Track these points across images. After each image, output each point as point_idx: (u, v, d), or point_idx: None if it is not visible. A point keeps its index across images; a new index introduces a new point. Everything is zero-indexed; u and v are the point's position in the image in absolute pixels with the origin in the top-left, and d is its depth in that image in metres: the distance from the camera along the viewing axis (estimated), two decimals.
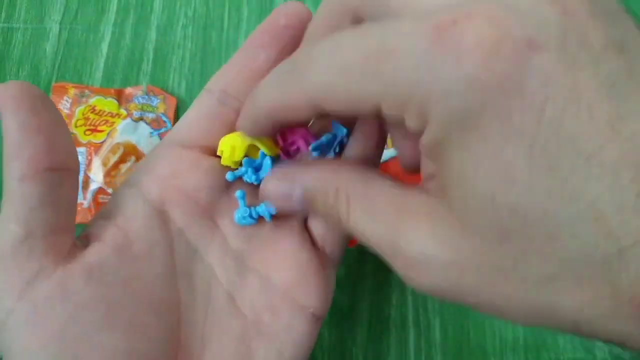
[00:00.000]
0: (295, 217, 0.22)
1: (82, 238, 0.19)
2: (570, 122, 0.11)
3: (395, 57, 0.13)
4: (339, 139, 0.21)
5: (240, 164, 0.21)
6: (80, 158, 0.36)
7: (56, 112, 0.17)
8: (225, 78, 0.23)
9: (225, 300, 0.21)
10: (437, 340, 0.34)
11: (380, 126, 0.21)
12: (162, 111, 0.38)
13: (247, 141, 0.20)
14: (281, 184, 0.19)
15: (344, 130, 0.21)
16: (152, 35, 0.40)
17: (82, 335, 0.16)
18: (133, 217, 0.19)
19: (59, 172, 0.17)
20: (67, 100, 0.37)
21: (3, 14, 0.40)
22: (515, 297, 0.13)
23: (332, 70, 0.14)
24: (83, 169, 0.36)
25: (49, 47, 0.40)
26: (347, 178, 0.17)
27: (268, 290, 0.21)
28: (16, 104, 0.16)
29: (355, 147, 0.21)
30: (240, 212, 0.21)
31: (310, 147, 0.21)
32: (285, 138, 0.22)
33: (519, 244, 0.13)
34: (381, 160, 0.25)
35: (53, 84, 0.38)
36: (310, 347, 0.21)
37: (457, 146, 0.13)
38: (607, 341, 0.13)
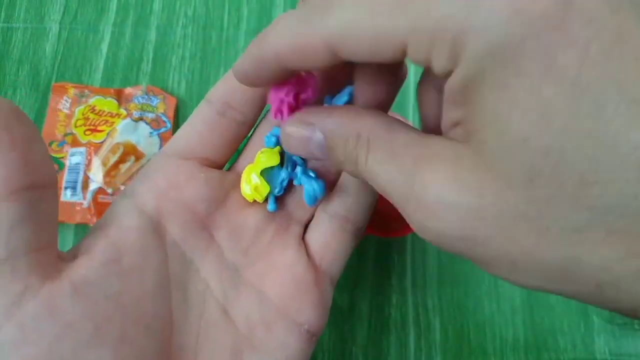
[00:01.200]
0: (293, 233, 0.22)
1: (72, 251, 0.19)
2: (614, 64, 0.11)
3: None
4: (347, 91, 0.20)
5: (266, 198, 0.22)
6: (80, 158, 0.36)
7: (31, 126, 0.16)
8: (226, 88, 0.22)
9: (219, 314, 0.20)
10: (437, 340, 0.34)
11: (390, 72, 0.19)
12: (162, 111, 0.38)
13: (258, 171, 0.21)
14: (301, 127, 0.18)
15: (351, 88, 0.20)
16: (152, 35, 0.40)
17: (70, 354, 0.16)
18: (127, 229, 0.19)
19: (36, 189, 0.16)
20: (66, 100, 0.37)
21: (3, 14, 0.40)
22: (534, 250, 0.12)
23: (358, 6, 0.14)
24: (83, 169, 0.36)
25: (48, 47, 0.40)
26: (370, 123, 0.16)
27: (263, 305, 0.21)
28: None
29: (362, 97, 0.19)
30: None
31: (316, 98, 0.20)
32: (278, 94, 0.20)
33: (548, 189, 0.12)
34: None
35: (53, 83, 0.38)
36: None
37: (491, 84, 0.12)
38: (626, 310, 0.12)
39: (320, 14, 0.14)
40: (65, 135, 0.37)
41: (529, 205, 0.12)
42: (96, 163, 0.36)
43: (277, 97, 0.19)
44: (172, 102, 0.38)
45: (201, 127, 0.22)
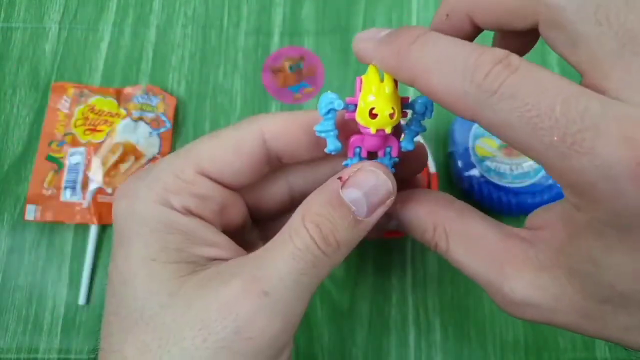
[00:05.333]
0: None
1: None
2: None
3: None
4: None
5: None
6: (79, 158, 0.36)
7: None
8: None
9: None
10: (437, 340, 0.34)
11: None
12: (162, 111, 0.38)
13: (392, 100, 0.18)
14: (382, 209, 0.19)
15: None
16: (152, 34, 0.40)
17: None
18: None
19: None
20: (66, 100, 0.37)
21: (2, 14, 0.40)
22: (595, 333, 0.16)
23: None
24: (82, 169, 0.36)
25: (48, 47, 0.40)
26: (444, 214, 0.19)
27: None
28: None
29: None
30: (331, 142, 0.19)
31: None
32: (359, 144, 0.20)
33: (616, 307, 0.15)
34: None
35: (52, 83, 0.38)
36: None
37: (598, 235, 0.14)
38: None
39: None
40: (65, 135, 0.37)
41: (594, 313, 0.16)
42: (96, 163, 0.36)
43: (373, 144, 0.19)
44: (172, 101, 0.38)
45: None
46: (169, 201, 0.19)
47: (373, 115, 0.18)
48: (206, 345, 0.16)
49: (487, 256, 0.18)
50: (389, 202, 0.18)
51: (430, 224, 0.19)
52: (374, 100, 0.18)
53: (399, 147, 0.20)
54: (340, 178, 0.18)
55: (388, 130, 0.18)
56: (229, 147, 0.20)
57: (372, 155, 0.20)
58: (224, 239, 0.19)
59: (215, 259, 0.19)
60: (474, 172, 0.34)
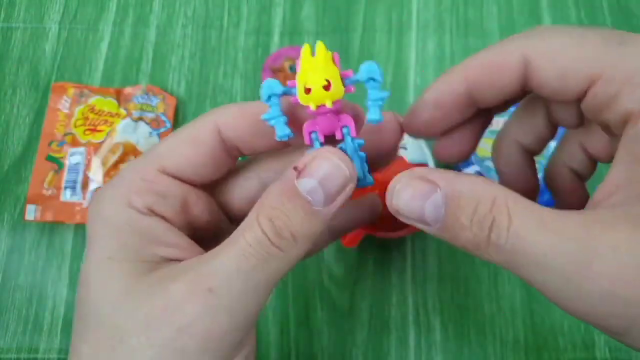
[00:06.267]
0: None
1: None
2: None
3: None
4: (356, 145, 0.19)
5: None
6: (79, 158, 0.36)
7: None
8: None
9: None
10: (437, 340, 0.34)
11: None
12: (162, 111, 0.38)
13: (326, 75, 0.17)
14: (420, 182, 0.16)
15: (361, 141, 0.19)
16: (152, 34, 0.40)
17: None
18: None
19: None
20: (66, 100, 0.37)
21: (2, 14, 0.40)
22: None
23: (563, 33, 0.15)
24: (82, 169, 0.36)
25: (48, 47, 0.40)
26: (507, 191, 0.16)
27: None
28: None
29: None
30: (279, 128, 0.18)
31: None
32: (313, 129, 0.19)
33: None
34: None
35: (52, 83, 0.38)
36: None
37: None
38: None
39: (522, 37, 0.16)
40: (65, 135, 0.37)
41: None
42: (96, 163, 0.36)
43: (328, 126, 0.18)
44: (172, 101, 0.38)
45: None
46: (130, 201, 0.19)
47: (307, 90, 0.17)
48: (150, 343, 0.16)
49: (572, 227, 0.14)
50: (348, 189, 0.17)
51: (489, 194, 0.15)
52: (306, 76, 0.17)
53: (357, 126, 0.19)
54: (295, 167, 0.17)
55: (329, 104, 0.17)
56: (186, 142, 0.19)
57: (332, 142, 0.19)
58: (184, 240, 0.19)
59: (173, 260, 0.19)
60: (474, 172, 0.34)
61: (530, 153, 0.21)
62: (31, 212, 0.35)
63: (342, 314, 0.34)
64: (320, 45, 0.17)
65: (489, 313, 0.34)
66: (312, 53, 0.18)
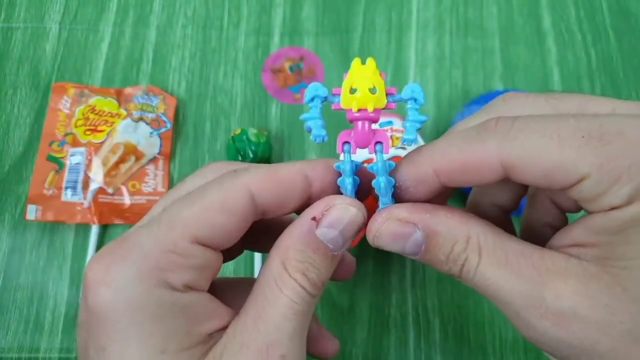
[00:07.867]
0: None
1: None
2: None
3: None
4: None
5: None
6: (80, 158, 0.36)
7: None
8: None
9: None
10: (437, 340, 0.34)
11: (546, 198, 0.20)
12: (162, 111, 0.38)
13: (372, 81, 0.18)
14: (398, 225, 0.18)
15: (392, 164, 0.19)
16: (152, 35, 0.40)
17: None
18: None
19: None
20: (66, 100, 0.37)
21: (3, 14, 0.40)
22: None
23: (544, 136, 0.15)
24: (83, 169, 0.36)
25: (48, 47, 0.40)
26: (478, 227, 0.17)
27: None
28: None
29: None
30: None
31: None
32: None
33: None
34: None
35: (53, 83, 0.38)
36: None
37: None
38: None
39: (498, 137, 0.16)
40: (66, 135, 0.37)
41: None
42: (96, 163, 0.36)
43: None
44: (172, 102, 0.38)
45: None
46: (166, 281, 0.17)
47: (353, 91, 0.18)
48: None
49: (528, 269, 0.16)
50: (360, 232, 0.18)
51: (464, 233, 0.17)
52: (354, 79, 0.18)
53: (389, 144, 0.19)
54: (314, 218, 0.18)
55: (370, 109, 0.18)
56: (217, 209, 0.18)
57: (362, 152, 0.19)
58: (218, 305, 0.18)
59: (215, 331, 0.18)
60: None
61: (506, 211, 0.21)
62: (32, 212, 0.35)
63: (342, 314, 0.34)
64: (371, 59, 0.18)
65: (489, 313, 0.34)
66: (363, 63, 0.19)
